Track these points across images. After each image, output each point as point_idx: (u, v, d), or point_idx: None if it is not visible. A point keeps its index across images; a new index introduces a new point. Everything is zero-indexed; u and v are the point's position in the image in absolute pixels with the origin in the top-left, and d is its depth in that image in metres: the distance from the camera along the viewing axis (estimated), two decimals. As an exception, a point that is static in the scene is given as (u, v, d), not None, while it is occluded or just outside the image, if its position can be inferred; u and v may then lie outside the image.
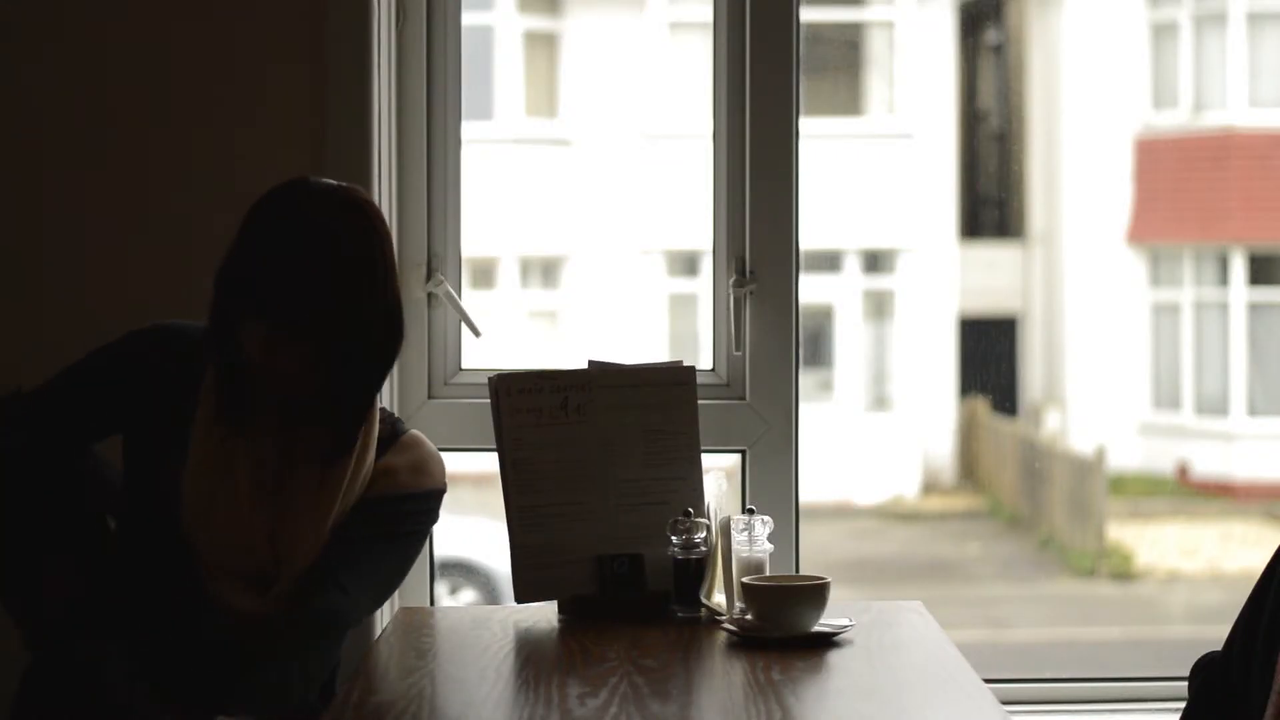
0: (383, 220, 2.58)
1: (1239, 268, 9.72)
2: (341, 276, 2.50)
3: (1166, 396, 9.91)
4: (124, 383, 2.61)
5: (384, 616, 3.05)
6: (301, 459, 2.59)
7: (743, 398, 3.21)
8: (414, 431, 2.72)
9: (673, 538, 2.80)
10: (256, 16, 3.09)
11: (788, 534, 3.14)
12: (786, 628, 2.60)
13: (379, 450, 2.64)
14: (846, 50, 9.82)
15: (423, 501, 2.69)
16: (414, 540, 2.70)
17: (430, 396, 3.22)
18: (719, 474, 2.92)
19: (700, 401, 2.93)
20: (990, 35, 10.30)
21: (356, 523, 2.62)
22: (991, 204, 10.42)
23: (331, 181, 2.58)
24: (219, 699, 2.52)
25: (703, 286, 7.60)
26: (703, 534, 2.80)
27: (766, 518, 2.80)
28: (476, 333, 3.24)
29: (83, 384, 2.63)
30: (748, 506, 3.02)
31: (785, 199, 3.19)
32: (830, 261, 9.63)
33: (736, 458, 3.24)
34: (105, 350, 2.64)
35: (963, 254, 10.04)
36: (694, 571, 2.80)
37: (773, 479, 3.19)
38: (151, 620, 2.57)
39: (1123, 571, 9.31)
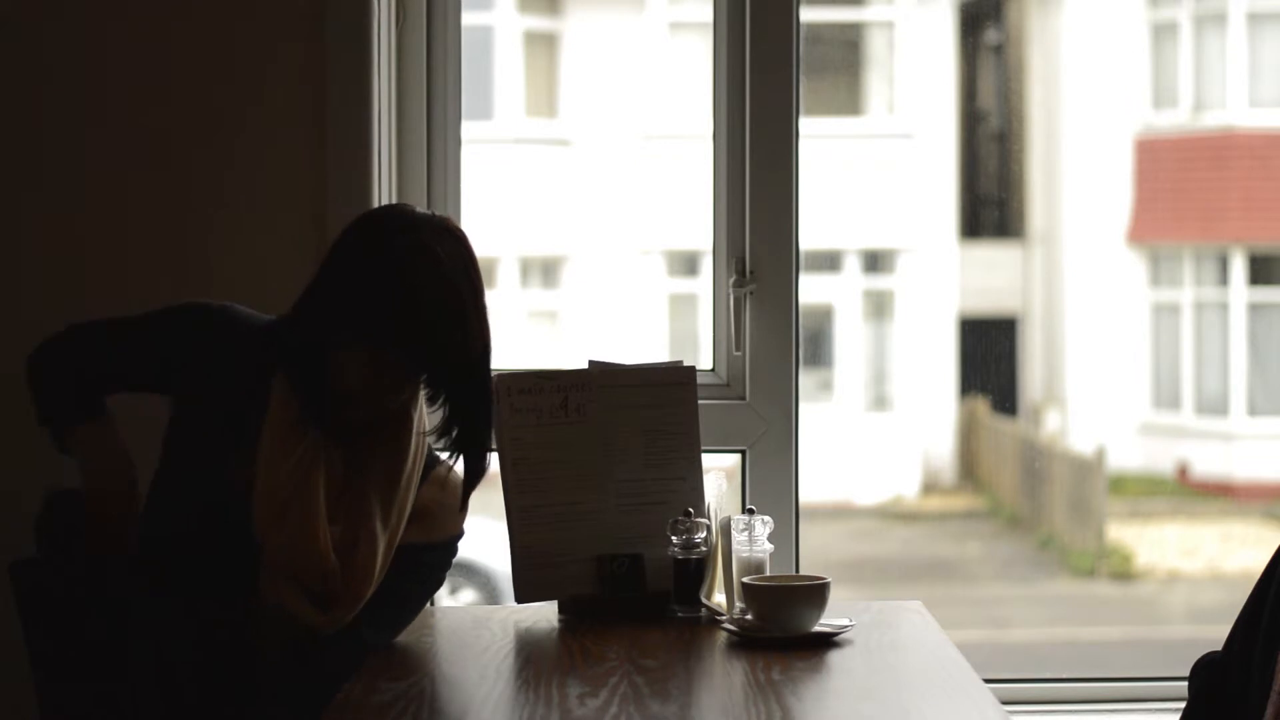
0: (473, 248, 2.62)
1: (1239, 268, 9.72)
2: (451, 303, 2.54)
3: (1166, 396, 9.91)
4: (181, 348, 2.63)
5: (384, 616, 3.05)
6: (368, 477, 2.61)
7: (743, 398, 3.21)
8: (445, 463, 2.73)
9: (673, 538, 2.80)
10: (256, 16, 3.09)
11: (788, 534, 3.15)
12: (786, 628, 2.60)
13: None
14: (846, 50, 9.82)
15: (448, 550, 2.76)
16: (436, 583, 2.77)
17: (430, 396, 3.22)
18: (719, 474, 2.92)
19: (700, 401, 2.93)
20: (990, 35, 10.30)
21: (393, 569, 2.66)
22: (991, 204, 10.41)
23: (424, 210, 2.63)
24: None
25: (703, 286, 7.60)
26: (703, 534, 2.81)
27: (766, 518, 2.80)
28: (476, 333, 3.24)
29: (141, 336, 2.67)
30: (748, 506, 3.02)
31: (785, 199, 3.20)
32: (830, 261, 9.63)
33: (736, 458, 3.24)
34: (169, 315, 2.67)
35: (963, 254, 10.04)
36: (694, 571, 2.80)
37: (773, 479, 3.19)
38: (196, 613, 2.57)
39: (1123, 571, 9.31)
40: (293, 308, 2.61)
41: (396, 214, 2.62)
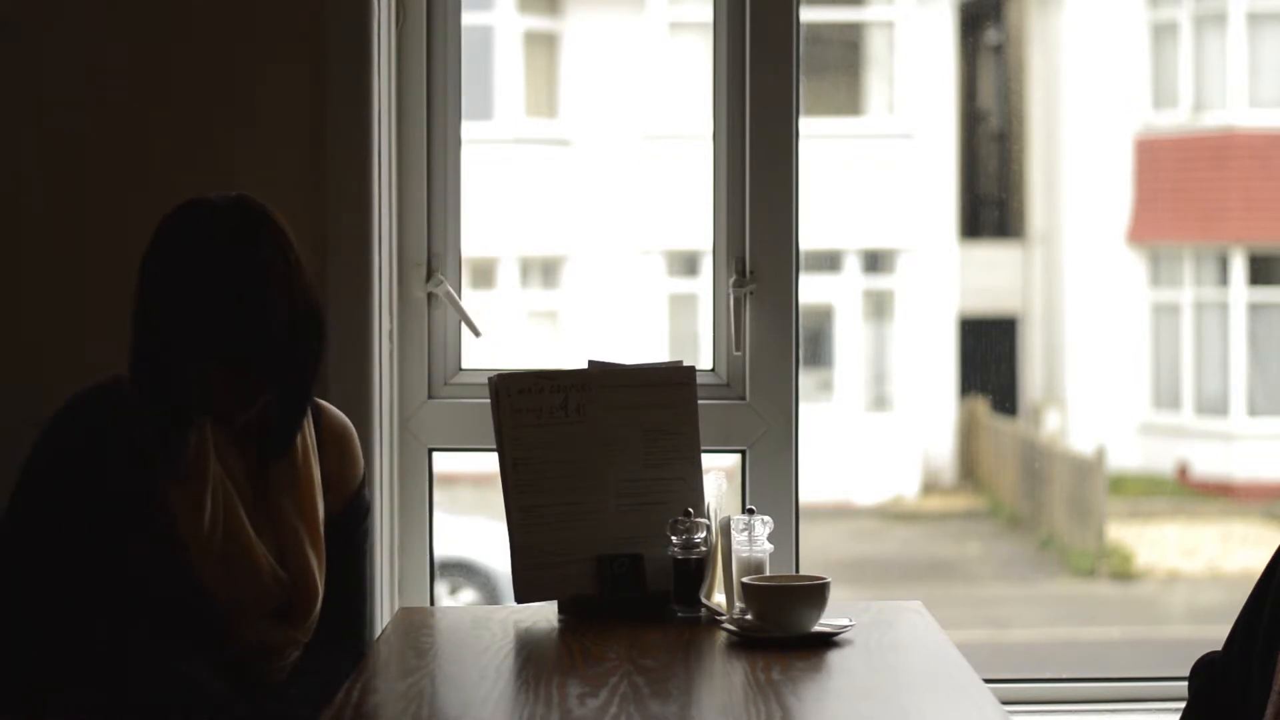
0: (278, 218, 2.57)
1: (1239, 268, 9.72)
2: (278, 296, 2.50)
3: (1166, 396, 9.91)
4: (79, 496, 2.49)
5: (384, 616, 3.05)
6: (272, 479, 2.61)
7: (743, 398, 3.21)
8: (329, 409, 2.73)
9: (673, 538, 2.80)
10: (256, 16, 3.09)
11: (788, 534, 3.14)
12: (786, 628, 2.60)
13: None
14: (846, 50, 9.82)
15: (368, 497, 2.78)
16: (366, 538, 2.78)
17: (430, 396, 3.22)
18: (719, 474, 2.92)
19: (700, 401, 2.93)
20: (990, 35, 10.30)
21: (341, 549, 2.68)
22: (991, 204, 10.41)
23: (222, 197, 2.56)
24: None
25: (703, 286, 7.60)
26: (703, 534, 2.80)
27: (766, 518, 2.80)
28: (476, 333, 3.24)
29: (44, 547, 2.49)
30: (748, 506, 3.01)
31: (785, 199, 3.19)
32: (830, 261, 9.63)
33: (736, 458, 3.24)
34: (39, 483, 2.49)
35: (963, 254, 10.04)
36: (694, 571, 2.80)
37: (773, 479, 3.19)
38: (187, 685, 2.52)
39: (1123, 571, 9.31)
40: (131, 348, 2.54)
41: (203, 219, 2.53)
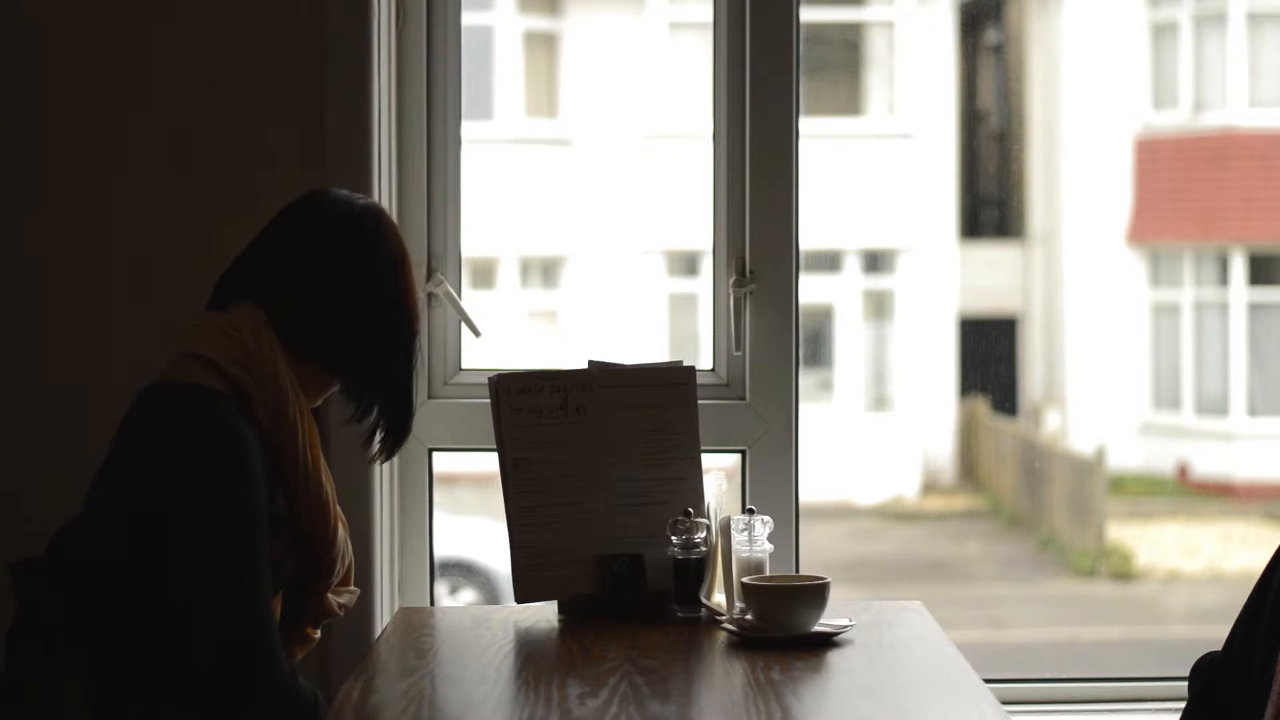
0: None
1: (1239, 268, 9.73)
2: None
3: (1166, 396, 9.92)
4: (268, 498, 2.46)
5: (384, 616, 3.05)
6: None
7: (743, 398, 3.21)
8: None
9: (673, 538, 2.80)
10: (257, 16, 3.09)
11: (788, 534, 3.14)
12: (786, 628, 2.60)
13: None
14: (846, 50, 9.82)
15: None
16: None
17: (430, 396, 3.22)
18: (719, 474, 2.92)
19: (700, 401, 2.93)
20: (990, 35, 10.31)
21: None
22: (991, 204, 10.42)
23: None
24: None
25: (703, 286, 7.61)
26: (703, 534, 2.81)
27: (766, 518, 2.80)
28: (476, 333, 3.24)
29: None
30: (748, 506, 3.01)
31: (785, 199, 3.19)
32: (830, 261, 9.64)
33: (736, 458, 3.24)
34: (245, 493, 2.40)
35: (963, 254, 10.05)
36: (694, 571, 2.80)
37: (773, 479, 3.19)
38: None
39: (1123, 571, 9.32)
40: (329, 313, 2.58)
41: (377, 210, 2.68)
